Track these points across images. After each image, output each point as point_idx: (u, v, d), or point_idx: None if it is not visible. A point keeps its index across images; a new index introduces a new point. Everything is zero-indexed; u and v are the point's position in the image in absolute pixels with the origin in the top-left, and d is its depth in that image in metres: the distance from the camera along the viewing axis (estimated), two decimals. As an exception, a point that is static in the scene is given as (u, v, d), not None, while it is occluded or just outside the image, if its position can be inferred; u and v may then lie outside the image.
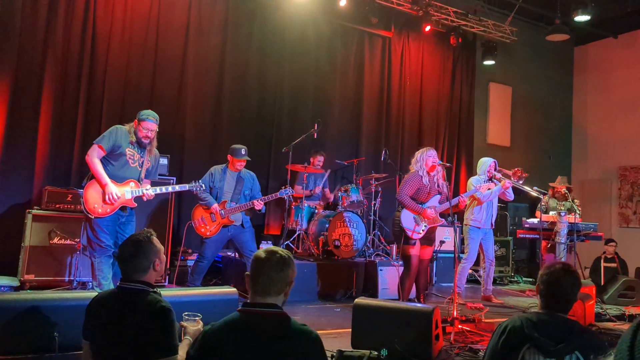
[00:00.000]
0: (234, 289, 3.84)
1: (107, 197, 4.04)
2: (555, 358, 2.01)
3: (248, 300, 1.90)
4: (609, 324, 5.11)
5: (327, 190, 7.10)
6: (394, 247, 6.50)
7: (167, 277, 5.69)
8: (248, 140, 6.08)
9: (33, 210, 5.04)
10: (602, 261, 7.68)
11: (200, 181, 4.80)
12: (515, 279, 8.33)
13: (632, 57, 10.04)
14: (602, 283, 6.95)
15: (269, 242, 6.63)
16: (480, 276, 6.56)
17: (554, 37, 9.13)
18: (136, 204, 4.27)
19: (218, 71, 7.08)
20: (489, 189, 5.77)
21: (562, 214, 5.79)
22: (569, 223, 5.97)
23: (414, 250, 4.97)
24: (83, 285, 5.04)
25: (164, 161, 5.82)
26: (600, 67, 10.66)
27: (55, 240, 5.05)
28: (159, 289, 2.28)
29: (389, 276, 5.94)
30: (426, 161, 5.00)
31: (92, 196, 4.07)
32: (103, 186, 4.06)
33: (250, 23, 7.34)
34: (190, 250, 6.21)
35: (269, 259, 1.88)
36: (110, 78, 6.25)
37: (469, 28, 9.07)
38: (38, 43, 5.82)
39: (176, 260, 5.95)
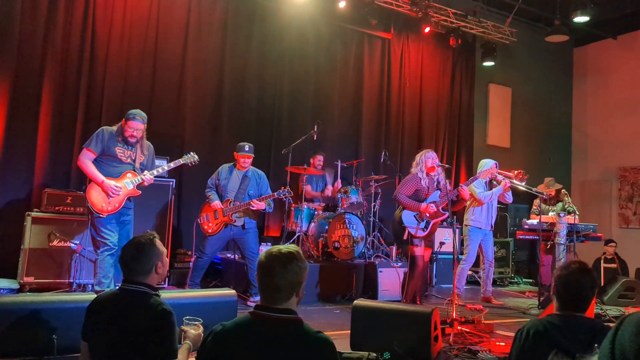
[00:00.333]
0: (233, 291, 3.85)
1: (109, 191, 4.11)
2: None
3: (259, 303, 1.85)
4: (609, 325, 5.09)
5: (338, 182, 6.90)
6: (394, 248, 6.51)
7: (167, 279, 5.69)
8: (247, 141, 6.04)
9: (32, 213, 5.04)
10: (602, 262, 7.69)
11: (194, 154, 4.77)
12: (516, 280, 8.33)
13: (631, 58, 10.05)
14: (602, 284, 6.95)
15: (268, 243, 6.62)
16: (480, 277, 6.55)
17: (553, 38, 9.13)
18: (140, 192, 4.35)
19: (217, 73, 7.07)
20: (504, 177, 5.70)
21: (562, 214, 5.79)
22: (569, 224, 5.97)
23: (419, 251, 4.97)
24: (83, 288, 5.03)
25: (162, 163, 5.83)
26: (599, 68, 10.66)
27: (55, 243, 5.04)
28: (159, 292, 2.27)
29: (388, 278, 5.93)
30: (425, 162, 5.02)
31: (96, 197, 4.15)
32: (100, 184, 4.13)
33: (249, 25, 7.34)
34: (190, 253, 6.20)
35: (269, 264, 1.82)
36: (110, 80, 6.26)
37: (468, 29, 9.07)
38: (37, 45, 5.82)
39: (176, 262, 5.96)
